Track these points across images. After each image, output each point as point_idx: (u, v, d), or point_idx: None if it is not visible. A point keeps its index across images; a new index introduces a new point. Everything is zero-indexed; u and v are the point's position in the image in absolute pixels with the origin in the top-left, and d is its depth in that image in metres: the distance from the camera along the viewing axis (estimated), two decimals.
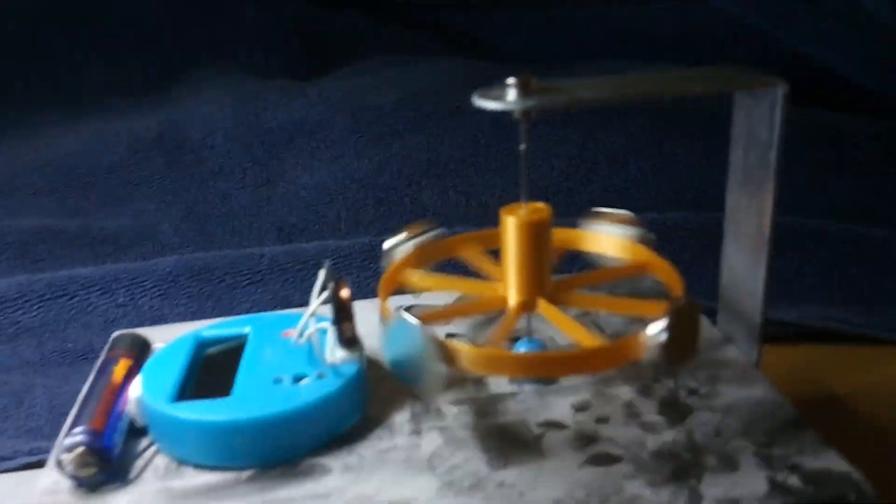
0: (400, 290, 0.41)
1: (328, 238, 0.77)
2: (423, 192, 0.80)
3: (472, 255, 0.40)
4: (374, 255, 0.70)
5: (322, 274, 0.36)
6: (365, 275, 0.69)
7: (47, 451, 0.50)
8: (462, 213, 0.78)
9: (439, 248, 0.40)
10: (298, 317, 0.38)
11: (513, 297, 0.36)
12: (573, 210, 0.78)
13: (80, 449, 0.33)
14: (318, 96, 0.84)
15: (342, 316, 0.35)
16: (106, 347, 0.41)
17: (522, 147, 0.35)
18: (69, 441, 0.33)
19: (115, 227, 0.77)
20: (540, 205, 0.36)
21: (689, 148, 0.79)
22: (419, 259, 0.39)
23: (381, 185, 0.80)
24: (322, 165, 0.81)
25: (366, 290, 0.68)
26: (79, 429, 0.33)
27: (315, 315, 0.37)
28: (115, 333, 0.41)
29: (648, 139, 0.80)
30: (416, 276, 0.39)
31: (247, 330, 0.40)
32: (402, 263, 0.39)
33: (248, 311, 0.66)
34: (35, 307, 0.65)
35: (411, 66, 0.94)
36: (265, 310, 0.67)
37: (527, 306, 0.36)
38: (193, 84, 0.92)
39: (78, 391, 0.52)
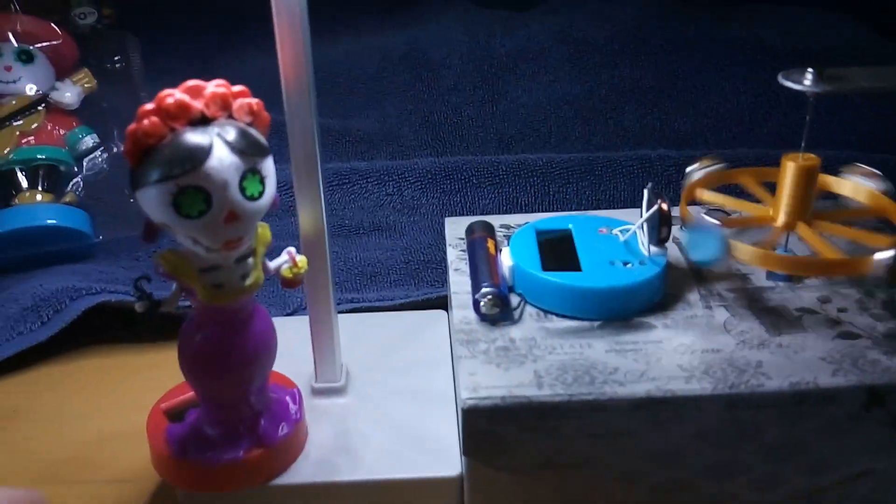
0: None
1: (540, 150, 0.92)
2: (625, 116, 0.94)
3: (749, 183, 0.54)
4: (584, 169, 0.85)
5: (646, 193, 0.52)
6: (582, 185, 0.84)
7: (351, 300, 0.67)
8: (656, 136, 0.92)
9: (725, 175, 0.54)
10: (605, 219, 0.54)
11: (781, 218, 0.51)
12: (753, 141, 0.92)
13: (490, 295, 0.49)
14: (540, 28, 0.98)
15: (662, 222, 0.50)
16: (465, 230, 0.57)
17: (808, 118, 0.49)
18: (484, 290, 0.49)
19: (367, 129, 0.93)
20: (811, 155, 0.50)
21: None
22: (708, 181, 0.54)
23: (588, 107, 0.94)
24: (539, 88, 0.96)
25: (581, 198, 0.83)
26: (486, 283, 0.50)
27: (632, 224, 0.52)
28: (472, 220, 0.57)
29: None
30: (706, 194, 0.54)
31: (569, 226, 0.55)
32: (697, 183, 0.54)
33: (486, 209, 0.82)
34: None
35: (618, 1, 1.06)
36: (501, 209, 0.82)
37: (789, 226, 0.51)
38: (430, 9, 1.06)
39: (356, 258, 0.70)
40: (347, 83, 0.96)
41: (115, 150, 0.83)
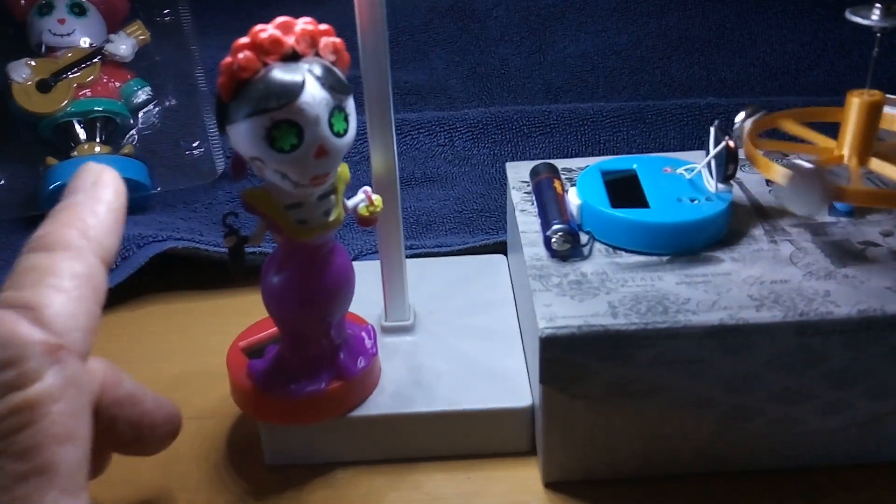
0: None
1: (588, 100, 0.92)
2: (672, 66, 0.94)
3: (794, 127, 0.55)
4: (634, 117, 0.86)
5: (713, 131, 0.52)
6: (632, 133, 0.85)
7: (409, 247, 0.68)
8: (703, 85, 0.93)
9: (772, 119, 0.55)
10: (668, 159, 0.55)
11: (851, 156, 0.52)
12: (799, 89, 0.92)
13: (561, 231, 0.50)
14: None
15: (729, 160, 0.51)
16: (530, 172, 0.58)
17: (875, 52, 0.49)
18: (555, 227, 0.51)
19: (415, 81, 0.94)
20: (875, 91, 0.51)
21: None
22: (758, 127, 0.55)
23: (636, 57, 0.95)
24: (587, 38, 0.96)
25: (630, 145, 0.84)
26: (556, 220, 0.51)
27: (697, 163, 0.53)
28: (536, 163, 0.59)
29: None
30: (759, 141, 0.55)
31: (634, 166, 0.56)
32: (755, 128, 0.55)
33: (538, 158, 0.83)
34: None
35: None
36: (552, 157, 0.83)
37: (862, 163, 0.52)
38: None
39: (411, 207, 0.71)
40: (394, 35, 0.96)
41: (167, 103, 0.84)
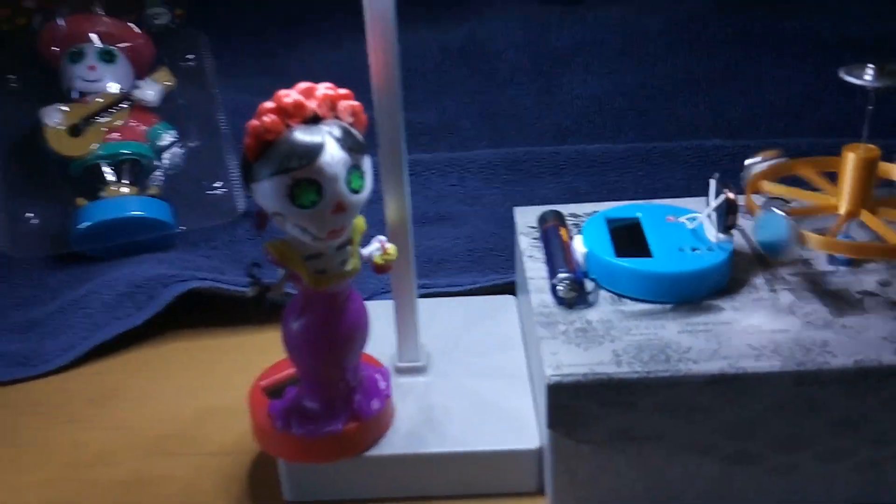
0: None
1: (596, 140, 0.95)
2: (678, 106, 0.96)
3: (807, 173, 0.57)
4: (641, 158, 0.88)
5: (713, 183, 0.55)
6: (639, 174, 0.87)
7: (422, 286, 0.70)
8: (709, 125, 0.95)
9: (785, 166, 0.57)
10: (671, 208, 0.57)
11: (843, 207, 0.54)
12: (803, 129, 0.94)
13: (567, 280, 0.53)
14: (595, 20, 1.01)
15: (730, 211, 0.53)
16: (537, 218, 0.60)
17: (870, 108, 0.52)
18: (561, 275, 0.53)
19: (427, 121, 0.97)
20: (872, 146, 0.53)
21: None
22: (769, 173, 0.57)
23: (643, 97, 0.97)
24: (594, 79, 0.98)
25: (638, 186, 0.86)
26: (562, 269, 0.53)
27: (699, 212, 0.55)
28: (542, 210, 0.61)
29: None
30: (768, 185, 0.57)
31: (638, 214, 0.58)
32: (760, 175, 0.57)
33: (547, 198, 0.85)
34: None
35: None
36: (561, 198, 0.85)
37: (852, 214, 0.54)
38: (487, 3, 1.09)
39: (423, 246, 0.73)
40: (407, 77, 0.98)
41: (190, 144, 0.87)
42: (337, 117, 0.45)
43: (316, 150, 0.42)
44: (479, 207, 0.85)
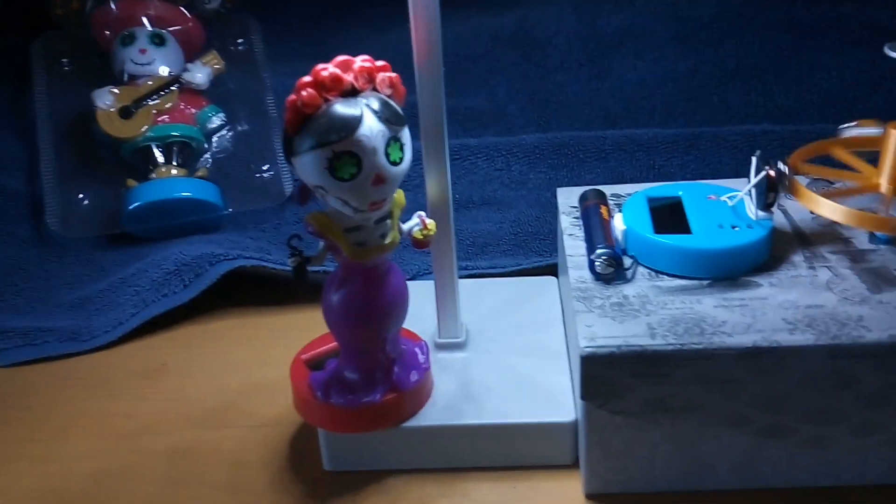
0: None
1: (645, 126, 0.94)
2: (729, 93, 0.96)
3: (842, 154, 0.57)
4: (689, 143, 0.88)
5: (754, 160, 0.55)
6: (687, 159, 0.87)
7: (465, 268, 0.71)
8: (760, 112, 0.94)
9: (820, 146, 0.57)
10: (714, 186, 0.57)
11: (886, 185, 0.53)
12: (856, 115, 0.93)
13: (605, 256, 0.53)
14: (645, 6, 1.00)
15: (770, 188, 0.53)
16: (578, 197, 0.61)
17: None
18: (599, 251, 0.53)
19: (476, 107, 0.98)
20: None
21: None
22: (805, 154, 0.57)
23: (693, 84, 0.96)
24: (644, 65, 0.98)
25: (685, 171, 0.86)
26: (601, 245, 0.54)
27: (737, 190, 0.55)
28: (584, 189, 0.61)
29: None
30: (807, 167, 0.56)
31: (680, 192, 0.59)
32: (798, 155, 0.57)
33: (593, 183, 0.85)
34: None
35: None
36: (606, 183, 0.85)
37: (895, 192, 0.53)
38: None
39: (467, 229, 0.73)
40: (457, 62, 1.00)
41: (239, 128, 0.89)
42: (375, 89, 0.45)
43: (354, 122, 0.43)
44: (525, 192, 0.86)
